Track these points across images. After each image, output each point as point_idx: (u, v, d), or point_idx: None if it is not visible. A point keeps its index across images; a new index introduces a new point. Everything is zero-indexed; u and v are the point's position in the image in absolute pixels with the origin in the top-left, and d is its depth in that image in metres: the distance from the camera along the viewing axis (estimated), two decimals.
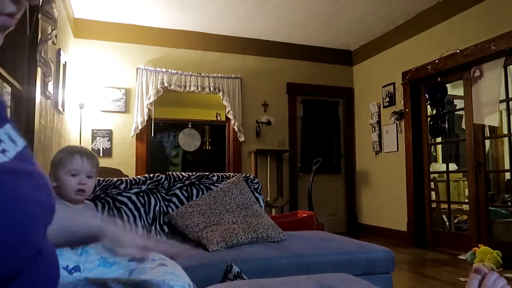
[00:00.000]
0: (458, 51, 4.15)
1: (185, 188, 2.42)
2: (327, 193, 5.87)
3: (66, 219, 0.77)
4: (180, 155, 7.69)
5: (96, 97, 4.84)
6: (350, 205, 5.97)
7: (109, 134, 4.87)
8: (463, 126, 4.38)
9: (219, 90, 5.28)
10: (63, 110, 3.98)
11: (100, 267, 1.15)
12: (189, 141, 6.55)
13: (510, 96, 3.88)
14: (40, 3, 2.83)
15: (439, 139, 5.14)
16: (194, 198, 2.39)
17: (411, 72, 4.84)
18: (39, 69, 2.99)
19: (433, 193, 4.91)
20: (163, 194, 2.37)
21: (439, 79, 4.53)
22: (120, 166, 4.61)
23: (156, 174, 2.44)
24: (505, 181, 5.30)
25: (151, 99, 4.94)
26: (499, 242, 3.81)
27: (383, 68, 5.43)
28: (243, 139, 5.38)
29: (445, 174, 4.69)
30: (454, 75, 4.40)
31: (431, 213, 4.74)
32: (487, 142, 4.60)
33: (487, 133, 4.45)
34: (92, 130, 4.82)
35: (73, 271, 1.12)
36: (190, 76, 5.17)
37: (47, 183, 0.60)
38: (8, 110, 2.85)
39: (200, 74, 5.22)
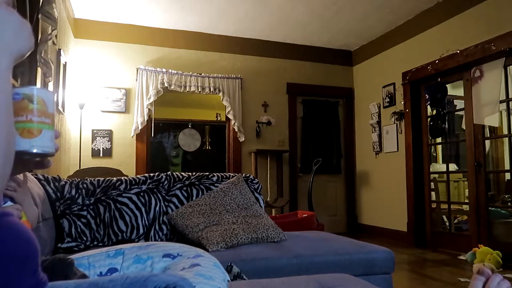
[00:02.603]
0: (458, 51, 4.15)
1: (185, 188, 2.42)
2: (327, 193, 5.87)
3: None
4: (180, 155, 7.68)
5: (96, 97, 4.84)
6: (350, 205, 5.97)
7: (109, 134, 4.87)
8: (463, 127, 4.38)
9: (219, 90, 5.28)
10: (63, 110, 3.98)
11: (135, 264, 1.13)
12: (189, 141, 6.56)
13: (510, 97, 3.88)
14: (40, 3, 2.84)
15: (439, 140, 5.14)
16: (194, 198, 2.39)
17: (411, 72, 4.84)
18: (39, 69, 2.99)
19: (433, 193, 4.90)
20: (163, 194, 2.37)
21: (439, 79, 4.53)
22: (120, 166, 4.61)
23: (156, 174, 2.45)
24: (505, 181, 5.29)
25: (151, 99, 4.94)
26: (499, 243, 3.81)
27: (383, 69, 5.43)
28: (243, 139, 5.38)
29: (445, 175, 4.69)
30: (454, 76, 4.40)
31: (431, 213, 4.74)
32: (487, 142, 4.59)
33: (487, 134, 4.45)
34: (92, 130, 4.82)
35: (109, 274, 1.10)
36: (190, 76, 5.17)
37: None
38: None
39: (200, 74, 5.22)
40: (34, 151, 0.63)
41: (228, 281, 1.11)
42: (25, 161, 0.67)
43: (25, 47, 0.53)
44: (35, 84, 2.97)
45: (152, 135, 5.17)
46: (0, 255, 0.53)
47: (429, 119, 4.73)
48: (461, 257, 3.91)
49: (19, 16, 0.53)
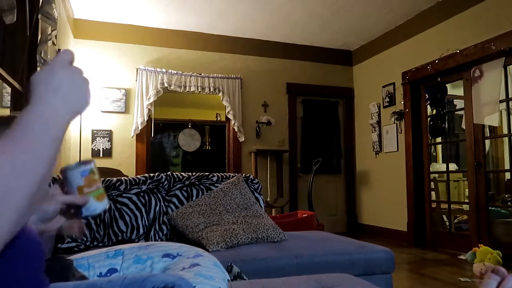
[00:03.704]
0: (458, 51, 4.15)
1: (185, 188, 2.42)
2: (327, 193, 5.87)
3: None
4: (180, 155, 7.68)
5: (96, 98, 4.84)
6: (350, 205, 5.97)
7: (109, 135, 4.87)
8: (463, 126, 4.38)
9: (219, 90, 5.28)
10: None
11: (135, 264, 1.13)
12: (189, 141, 6.55)
13: (510, 96, 3.88)
14: (40, 4, 2.84)
15: (439, 139, 5.14)
16: (194, 198, 2.39)
17: (411, 72, 4.84)
18: (39, 70, 2.99)
19: (433, 193, 4.90)
20: (163, 195, 2.37)
21: (439, 79, 4.52)
22: (120, 167, 4.61)
23: (156, 174, 2.44)
24: (505, 181, 5.29)
25: (151, 100, 4.94)
26: (499, 242, 3.81)
27: (383, 68, 5.43)
28: (243, 139, 5.38)
29: (445, 174, 4.69)
30: (454, 75, 4.40)
31: (431, 213, 4.74)
32: (487, 142, 4.59)
33: (487, 133, 4.45)
34: (92, 130, 4.81)
35: (109, 275, 1.10)
36: (190, 76, 5.17)
37: None
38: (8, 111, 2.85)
39: (200, 74, 5.22)
40: (107, 207, 0.86)
41: (228, 280, 1.11)
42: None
43: (84, 105, 0.63)
44: None
45: (152, 135, 5.17)
46: (20, 255, 0.64)
47: (429, 119, 4.73)
48: (461, 257, 3.91)
49: (85, 78, 0.64)
